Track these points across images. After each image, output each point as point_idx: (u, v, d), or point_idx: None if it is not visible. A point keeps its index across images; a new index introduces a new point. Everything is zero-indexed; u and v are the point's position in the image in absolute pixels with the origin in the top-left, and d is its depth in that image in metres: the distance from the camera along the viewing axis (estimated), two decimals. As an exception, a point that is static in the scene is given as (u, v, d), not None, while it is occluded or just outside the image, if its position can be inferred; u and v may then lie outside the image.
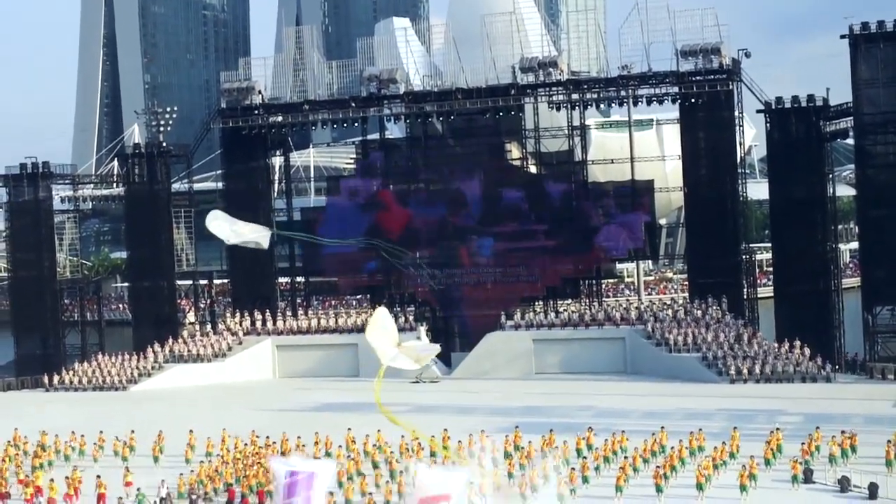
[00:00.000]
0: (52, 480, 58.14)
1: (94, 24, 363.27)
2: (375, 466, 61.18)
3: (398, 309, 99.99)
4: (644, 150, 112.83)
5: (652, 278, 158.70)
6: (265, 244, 70.59)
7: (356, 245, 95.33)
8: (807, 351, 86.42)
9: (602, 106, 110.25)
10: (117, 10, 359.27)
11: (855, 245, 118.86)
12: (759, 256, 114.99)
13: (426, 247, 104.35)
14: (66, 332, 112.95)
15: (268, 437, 66.20)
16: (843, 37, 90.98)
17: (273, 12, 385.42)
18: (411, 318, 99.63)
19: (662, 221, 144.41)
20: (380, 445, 64.00)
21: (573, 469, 55.76)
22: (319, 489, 30.59)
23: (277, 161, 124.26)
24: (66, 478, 58.54)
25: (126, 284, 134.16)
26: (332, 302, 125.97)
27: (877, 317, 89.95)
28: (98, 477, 57.63)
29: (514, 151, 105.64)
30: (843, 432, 58.41)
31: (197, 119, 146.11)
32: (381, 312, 30.25)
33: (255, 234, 74.47)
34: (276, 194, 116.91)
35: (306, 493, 30.22)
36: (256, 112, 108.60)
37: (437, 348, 35.72)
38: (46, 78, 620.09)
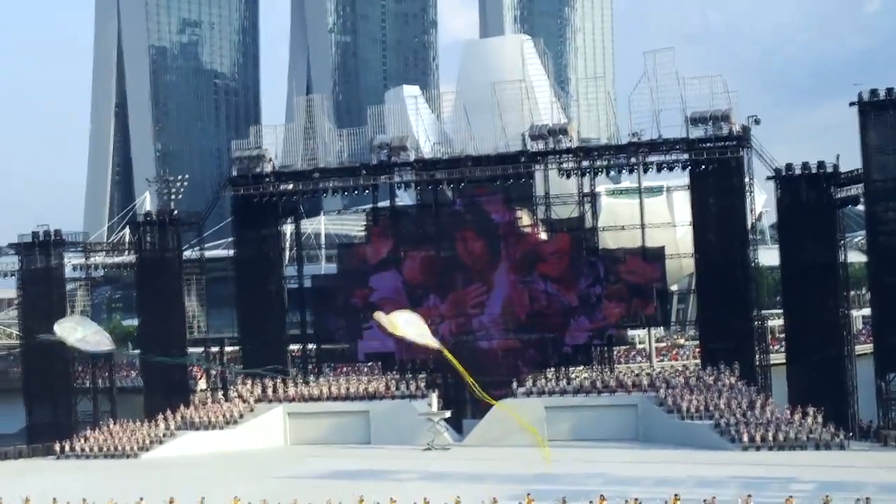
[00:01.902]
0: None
1: (106, 92, 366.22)
2: (388, 534, 60.97)
3: (409, 376, 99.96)
4: (654, 217, 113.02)
5: (664, 345, 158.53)
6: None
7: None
8: (820, 418, 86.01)
9: (612, 173, 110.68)
10: (128, 79, 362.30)
11: (867, 311, 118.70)
12: (771, 322, 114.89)
13: (438, 314, 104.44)
14: (78, 399, 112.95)
15: (279, 505, 66.08)
16: (852, 104, 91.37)
17: (284, 81, 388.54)
18: (422, 385, 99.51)
19: (674, 288, 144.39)
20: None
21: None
22: None
23: (288, 228, 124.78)
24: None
25: (138, 351, 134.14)
26: (344, 369, 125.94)
27: (890, 383, 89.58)
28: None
29: (524, 218, 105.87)
30: (857, 500, 58.10)
31: (208, 186, 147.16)
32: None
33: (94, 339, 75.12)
34: (287, 261, 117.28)
35: None
36: (267, 180, 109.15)
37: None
38: (58, 146, 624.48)
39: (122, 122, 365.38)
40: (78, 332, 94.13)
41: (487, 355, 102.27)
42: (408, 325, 79.22)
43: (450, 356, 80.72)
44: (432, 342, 79.36)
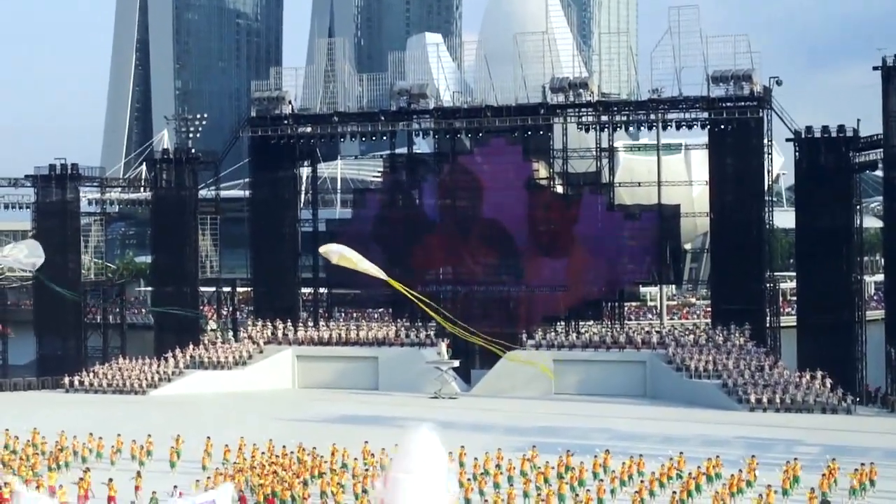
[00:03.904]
0: (61, 487, 58.09)
1: (128, 29, 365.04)
2: (391, 480, 60.91)
3: (419, 324, 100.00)
4: (671, 175, 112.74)
5: (675, 303, 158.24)
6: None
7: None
8: (828, 382, 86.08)
9: (631, 129, 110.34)
10: (151, 16, 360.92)
11: (880, 277, 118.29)
12: (783, 285, 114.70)
13: (449, 262, 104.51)
14: (88, 334, 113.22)
15: (284, 447, 66.18)
16: (875, 68, 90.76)
17: (306, 23, 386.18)
18: (432, 333, 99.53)
19: (687, 246, 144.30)
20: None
21: (588, 491, 55.53)
22: None
23: (305, 172, 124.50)
24: (79, 479, 58.59)
25: (149, 289, 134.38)
26: (354, 314, 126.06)
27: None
28: (110, 480, 57.65)
29: (541, 171, 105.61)
30: (861, 465, 58.07)
31: (226, 127, 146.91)
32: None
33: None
34: (302, 205, 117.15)
35: None
36: (286, 122, 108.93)
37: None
38: (78, 80, 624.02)
39: (143, 59, 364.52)
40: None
41: (497, 306, 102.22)
42: (350, 256, 78.71)
43: (399, 286, 79.91)
44: (376, 271, 78.79)
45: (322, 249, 74.87)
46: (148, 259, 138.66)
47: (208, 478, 59.12)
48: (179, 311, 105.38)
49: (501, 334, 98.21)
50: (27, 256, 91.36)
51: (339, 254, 74.92)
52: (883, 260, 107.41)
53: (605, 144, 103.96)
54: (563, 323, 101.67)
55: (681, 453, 62.54)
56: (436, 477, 26.25)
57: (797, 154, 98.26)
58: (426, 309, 78.72)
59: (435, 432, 26.00)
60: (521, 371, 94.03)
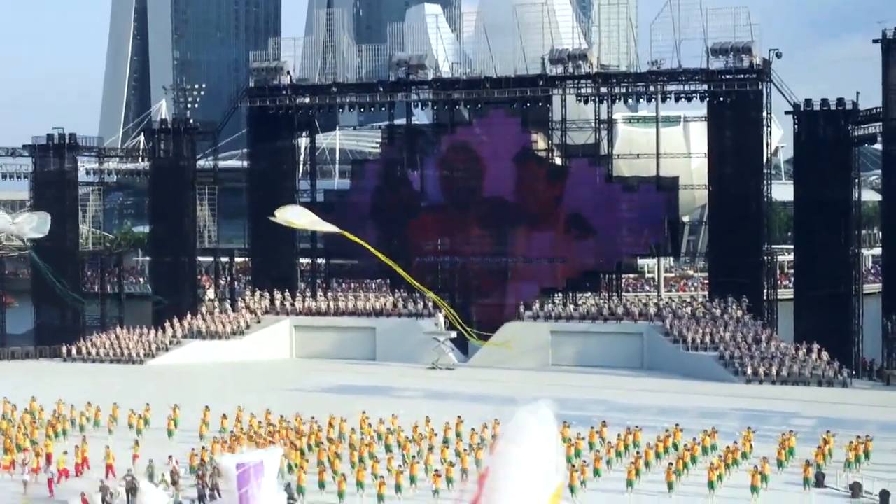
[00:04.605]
0: (65, 452, 58.37)
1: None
2: (388, 450, 61.31)
3: (417, 295, 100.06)
4: (670, 147, 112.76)
5: (673, 275, 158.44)
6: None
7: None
8: (824, 355, 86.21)
9: (630, 101, 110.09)
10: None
11: (878, 251, 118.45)
12: (780, 258, 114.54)
13: (447, 233, 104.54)
14: (87, 303, 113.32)
15: (282, 417, 66.43)
16: (875, 41, 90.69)
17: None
18: (430, 304, 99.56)
19: (686, 219, 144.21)
20: (393, 429, 64.22)
21: (585, 462, 55.77)
22: (269, 475, 31.34)
23: (303, 142, 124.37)
24: (76, 447, 58.88)
25: (147, 259, 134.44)
26: (352, 285, 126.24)
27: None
28: (108, 448, 57.94)
29: (540, 142, 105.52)
30: (857, 437, 58.30)
31: (224, 97, 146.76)
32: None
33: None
34: (300, 175, 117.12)
35: (256, 481, 31.03)
36: (284, 92, 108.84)
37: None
38: (76, 50, 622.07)
39: (141, 29, 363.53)
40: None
41: (495, 277, 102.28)
42: (300, 217, 78.41)
43: (360, 241, 79.75)
44: (330, 227, 78.70)
45: (278, 215, 74.84)
46: (146, 229, 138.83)
47: (203, 448, 59.40)
48: (58, 284, 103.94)
49: (498, 305, 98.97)
50: (33, 229, 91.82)
51: (288, 220, 75.04)
52: (881, 233, 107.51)
53: (603, 116, 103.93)
54: (560, 295, 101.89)
55: (677, 425, 62.88)
56: (547, 455, 25.77)
57: (796, 127, 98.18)
58: (401, 273, 79.02)
59: (549, 409, 25.63)
60: (520, 342, 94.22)
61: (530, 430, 25.42)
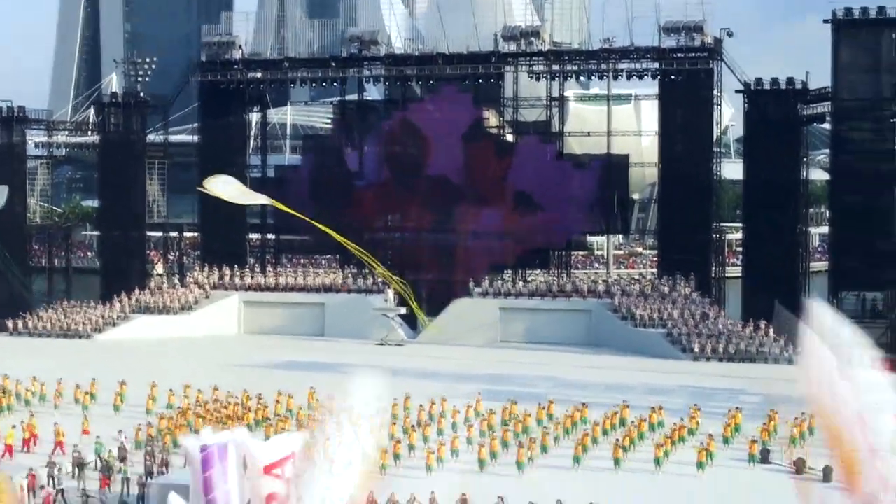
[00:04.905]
0: (12, 427, 57.88)
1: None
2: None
3: (367, 271, 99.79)
4: (621, 125, 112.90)
5: (622, 253, 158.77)
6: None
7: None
8: (771, 332, 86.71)
9: (582, 78, 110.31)
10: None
11: (825, 229, 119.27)
12: (729, 236, 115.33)
13: (397, 209, 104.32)
14: (34, 277, 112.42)
15: (229, 393, 66.09)
16: (825, 21, 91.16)
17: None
18: (379, 280, 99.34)
19: (636, 196, 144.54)
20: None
21: (532, 439, 55.85)
22: (233, 458, 30.71)
23: (255, 117, 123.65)
24: (22, 422, 58.40)
25: (96, 233, 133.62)
26: (302, 261, 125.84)
27: (842, 301, 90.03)
28: (56, 424, 57.46)
29: (491, 119, 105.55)
30: (801, 413, 58.60)
31: (176, 71, 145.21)
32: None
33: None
34: (251, 150, 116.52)
35: (221, 465, 30.41)
36: (236, 67, 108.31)
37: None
38: (25, 21, 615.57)
39: (92, 2, 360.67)
40: None
41: (444, 254, 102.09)
42: (227, 186, 77.66)
43: (293, 211, 79.40)
44: (259, 198, 78.02)
45: (206, 185, 74.16)
46: (95, 203, 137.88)
47: (150, 423, 59.02)
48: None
49: (447, 282, 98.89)
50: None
51: (217, 192, 74.29)
52: (828, 212, 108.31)
53: (555, 94, 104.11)
54: (510, 271, 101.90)
55: (624, 401, 63.04)
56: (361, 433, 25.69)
57: (746, 106, 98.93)
58: (344, 241, 78.80)
59: (383, 378, 25.58)
60: (469, 318, 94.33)
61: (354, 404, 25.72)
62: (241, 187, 77.22)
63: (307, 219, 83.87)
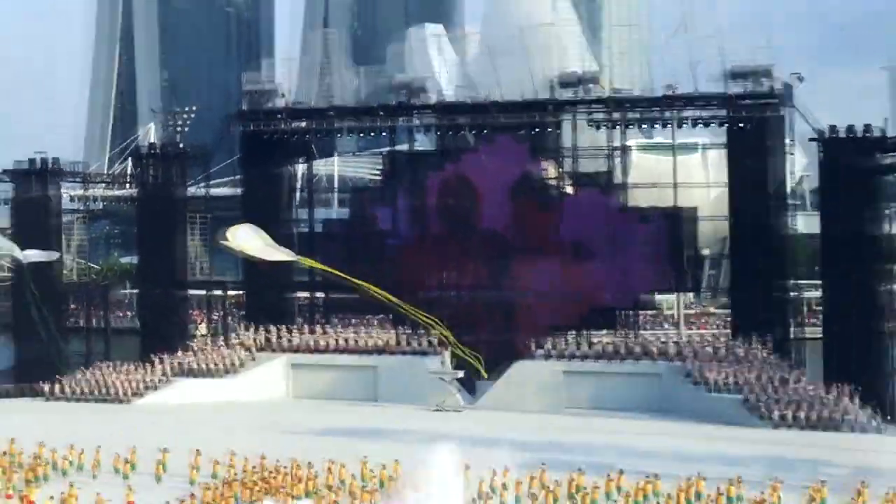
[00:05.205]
0: (50, 498, 57.40)
1: (112, 16, 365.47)
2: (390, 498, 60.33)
3: (422, 331, 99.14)
4: (688, 176, 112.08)
5: (693, 312, 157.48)
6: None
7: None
8: (856, 398, 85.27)
9: (645, 127, 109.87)
10: (136, 3, 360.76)
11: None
12: (807, 294, 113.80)
13: (451, 266, 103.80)
14: (70, 338, 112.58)
15: (277, 462, 65.47)
16: (883, 68, 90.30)
17: (300, 12, 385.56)
18: (435, 341, 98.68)
19: (706, 252, 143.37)
20: (396, 476, 63.25)
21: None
22: None
23: (300, 169, 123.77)
24: (62, 493, 57.91)
25: (135, 291, 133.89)
26: (352, 320, 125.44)
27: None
28: (98, 494, 56.96)
29: (549, 170, 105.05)
30: (894, 489, 57.34)
31: (215, 121, 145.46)
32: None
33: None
34: (297, 203, 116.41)
35: None
36: (279, 116, 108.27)
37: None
38: (59, 69, 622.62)
39: (127, 48, 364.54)
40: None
41: (502, 313, 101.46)
42: (250, 240, 76.02)
43: (323, 266, 78.68)
44: (286, 254, 76.78)
45: (229, 239, 73.27)
46: (133, 260, 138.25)
47: (192, 494, 58.39)
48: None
49: (506, 343, 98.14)
50: (40, 257, 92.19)
51: (239, 246, 73.07)
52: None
53: (617, 143, 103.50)
54: (573, 332, 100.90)
55: (698, 473, 61.87)
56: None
57: (821, 155, 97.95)
58: (386, 297, 78.25)
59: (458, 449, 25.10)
60: (531, 382, 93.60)
61: (432, 476, 25.22)
62: (266, 238, 75.96)
63: (347, 277, 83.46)
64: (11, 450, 70.95)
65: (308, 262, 76.54)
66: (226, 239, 74.75)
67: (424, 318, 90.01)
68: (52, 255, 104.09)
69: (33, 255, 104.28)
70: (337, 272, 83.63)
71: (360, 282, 79.11)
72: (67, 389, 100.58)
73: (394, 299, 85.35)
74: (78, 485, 60.87)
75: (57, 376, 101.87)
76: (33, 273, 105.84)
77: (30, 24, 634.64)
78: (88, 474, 66.55)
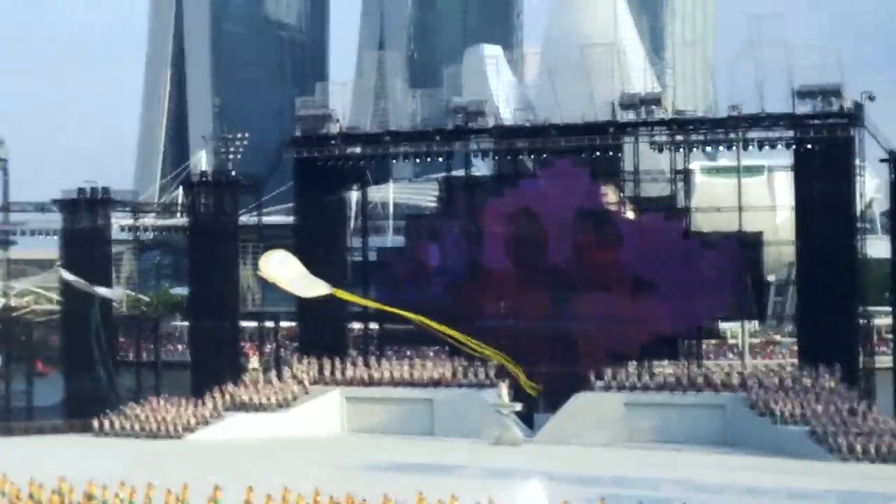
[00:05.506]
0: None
1: (163, 41, 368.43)
2: (448, 535, 60.67)
3: (478, 363, 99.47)
4: (753, 199, 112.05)
5: (758, 341, 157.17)
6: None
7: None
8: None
9: (709, 149, 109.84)
10: (187, 27, 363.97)
11: None
12: (877, 321, 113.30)
13: (510, 294, 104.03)
14: (121, 372, 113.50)
15: (331, 497, 65.92)
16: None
17: (354, 35, 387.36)
18: (492, 373, 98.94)
19: (771, 278, 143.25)
20: (453, 513, 63.56)
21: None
22: None
23: (354, 195, 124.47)
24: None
25: (186, 324, 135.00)
26: (408, 352, 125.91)
27: None
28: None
29: (610, 195, 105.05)
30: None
31: (268, 147, 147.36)
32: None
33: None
34: (351, 231, 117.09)
35: None
36: (333, 142, 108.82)
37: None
38: (109, 96, 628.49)
39: (178, 75, 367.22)
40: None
41: (562, 343, 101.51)
42: (284, 267, 74.75)
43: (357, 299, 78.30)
44: (319, 287, 75.82)
45: (262, 268, 72.89)
46: (184, 291, 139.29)
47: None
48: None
49: (566, 374, 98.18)
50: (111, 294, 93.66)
51: (274, 275, 72.55)
52: None
53: (680, 166, 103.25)
54: (634, 362, 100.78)
55: (766, 508, 61.94)
56: None
57: (892, 176, 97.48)
58: (432, 326, 78.32)
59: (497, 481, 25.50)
60: (591, 415, 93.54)
61: None
62: (300, 268, 74.99)
63: (396, 310, 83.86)
64: (62, 487, 71.76)
65: (344, 295, 76.36)
66: (259, 269, 74.68)
67: (476, 346, 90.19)
68: (117, 294, 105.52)
69: (102, 293, 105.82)
70: (378, 304, 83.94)
71: (409, 314, 79.27)
72: (117, 425, 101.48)
73: (443, 329, 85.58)
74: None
75: (107, 411, 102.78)
76: (82, 306, 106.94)
77: (80, 50, 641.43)
78: (139, 512, 67.23)
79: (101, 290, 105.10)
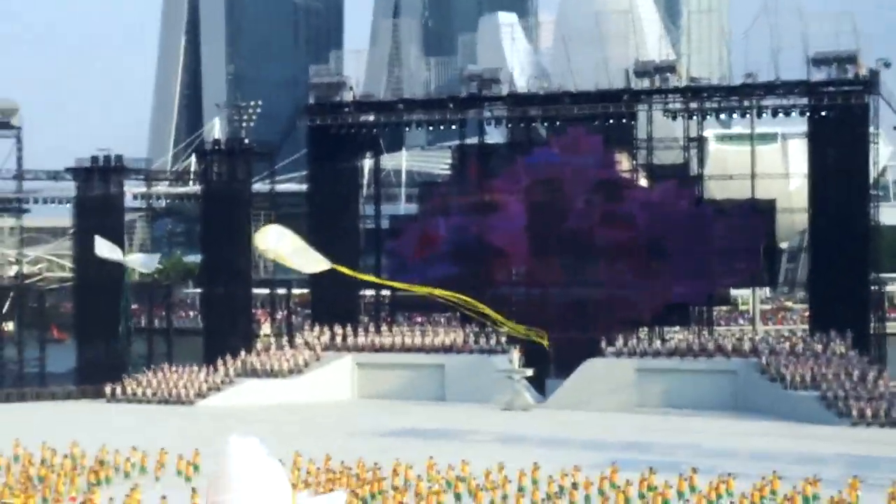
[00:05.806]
0: (111, 500, 58.59)
1: (177, 10, 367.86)
2: (458, 498, 61.13)
3: (489, 329, 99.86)
4: (767, 167, 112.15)
5: (769, 307, 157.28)
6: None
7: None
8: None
9: (723, 116, 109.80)
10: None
11: None
12: (889, 288, 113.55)
13: (523, 261, 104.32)
14: (132, 339, 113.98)
15: (342, 463, 66.39)
16: None
17: (369, 2, 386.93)
18: (503, 339, 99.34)
19: (784, 245, 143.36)
20: (464, 477, 63.99)
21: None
22: None
23: (367, 163, 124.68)
24: (125, 496, 59.03)
25: (199, 290, 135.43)
26: (419, 319, 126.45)
27: None
28: (164, 498, 57.94)
29: (623, 162, 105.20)
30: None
31: (282, 115, 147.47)
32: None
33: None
34: (364, 199, 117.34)
35: None
36: (347, 110, 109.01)
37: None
38: (123, 64, 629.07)
39: (192, 43, 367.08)
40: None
41: (574, 310, 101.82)
42: (280, 241, 74.09)
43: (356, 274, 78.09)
44: (318, 263, 75.31)
45: (258, 244, 72.54)
46: (197, 258, 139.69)
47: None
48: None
49: (578, 340, 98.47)
50: (143, 265, 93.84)
51: (271, 250, 72.18)
52: None
53: (693, 134, 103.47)
54: (646, 329, 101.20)
55: (774, 472, 62.15)
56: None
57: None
58: (444, 295, 78.35)
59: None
60: (602, 380, 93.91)
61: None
62: (297, 242, 73.96)
63: (397, 284, 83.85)
64: (74, 452, 72.35)
65: (345, 270, 75.99)
66: (258, 246, 74.35)
67: (495, 316, 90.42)
68: (151, 264, 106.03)
69: (135, 263, 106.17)
70: (375, 279, 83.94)
71: (415, 287, 79.40)
72: (130, 391, 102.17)
73: (452, 296, 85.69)
74: (141, 488, 62.21)
75: (120, 378, 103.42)
76: (95, 273, 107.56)
77: (95, 18, 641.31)
78: (151, 477, 67.68)
79: (134, 260, 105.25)
